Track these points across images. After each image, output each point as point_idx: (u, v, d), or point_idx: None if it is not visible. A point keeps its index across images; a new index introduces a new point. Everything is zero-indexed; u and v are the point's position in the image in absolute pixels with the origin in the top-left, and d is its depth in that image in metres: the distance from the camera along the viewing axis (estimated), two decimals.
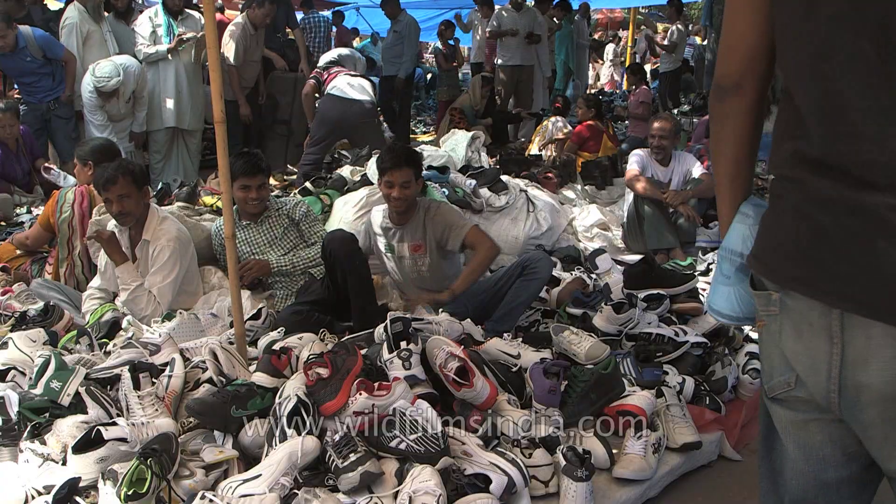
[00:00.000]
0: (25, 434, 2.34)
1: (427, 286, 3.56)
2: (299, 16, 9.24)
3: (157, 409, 2.40)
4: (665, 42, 10.60)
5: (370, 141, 5.86)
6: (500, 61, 8.78)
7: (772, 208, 1.23)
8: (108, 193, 3.37)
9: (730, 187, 1.37)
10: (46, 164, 5.25)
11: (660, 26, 10.85)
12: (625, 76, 10.54)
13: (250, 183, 3.65)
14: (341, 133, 6.09)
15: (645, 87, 8.74)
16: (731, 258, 1.34)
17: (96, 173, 3.49)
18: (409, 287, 3.65)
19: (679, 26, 10.68)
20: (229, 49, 6.42)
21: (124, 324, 3.29)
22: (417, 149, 5.50)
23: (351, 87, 5.93)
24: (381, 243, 3.68)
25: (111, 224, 3.56)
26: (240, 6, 7.04)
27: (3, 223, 4.82)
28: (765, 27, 1.22)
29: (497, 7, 8.90)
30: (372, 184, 4.64)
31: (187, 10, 6.36)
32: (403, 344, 2.56)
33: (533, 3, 9.38)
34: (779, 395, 1.24)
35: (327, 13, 10.02)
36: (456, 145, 5.60)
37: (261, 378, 2.50)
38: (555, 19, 9.65)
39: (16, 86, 6.34)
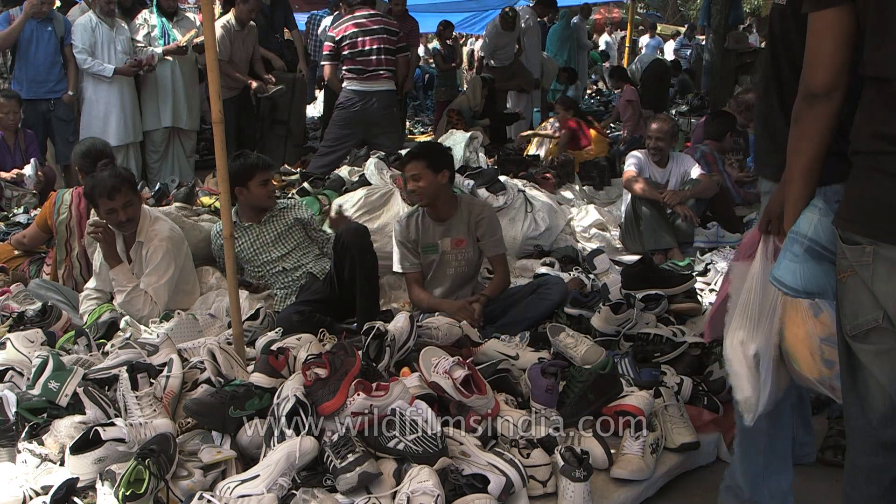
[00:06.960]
0: (23, 434, 2.34)
1: (462, 282, 3.55)
2: (302, 16, 9.23)
3: (155, 410, 2.40)
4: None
5: (389, 135, 5.66)
6: (492, 63, 8.96)
7: (862, 179, 1.49)
8: (113, 203, 3.32)
9: (804, 182, 1.63)
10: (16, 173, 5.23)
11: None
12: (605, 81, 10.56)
13: (268, 176, 3.74)
14: (362, 130, 5.77)
15: (629, 85, 8.75)
16: (802, 241, 1.61)
17: (86, 181, 3.41)
18: (444, 285, 3.56)
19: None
20: None
21: (122, 324, 3.29)
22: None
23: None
24: (420, 245, 3.57)
25: None
26: None
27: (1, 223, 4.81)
28: (850, 46, 1.48)
29: (487, 29, 8.95)
30: (370, 184, 4.63)
31: (182, 12, 6.33)
32: None
33: (531, 3, 9.37)
34: (863, 331, 1.51)
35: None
36: (454, 145, 5.59)
37: (259, 378, 2.50)
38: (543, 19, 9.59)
39: (13, 84, 6.24)
